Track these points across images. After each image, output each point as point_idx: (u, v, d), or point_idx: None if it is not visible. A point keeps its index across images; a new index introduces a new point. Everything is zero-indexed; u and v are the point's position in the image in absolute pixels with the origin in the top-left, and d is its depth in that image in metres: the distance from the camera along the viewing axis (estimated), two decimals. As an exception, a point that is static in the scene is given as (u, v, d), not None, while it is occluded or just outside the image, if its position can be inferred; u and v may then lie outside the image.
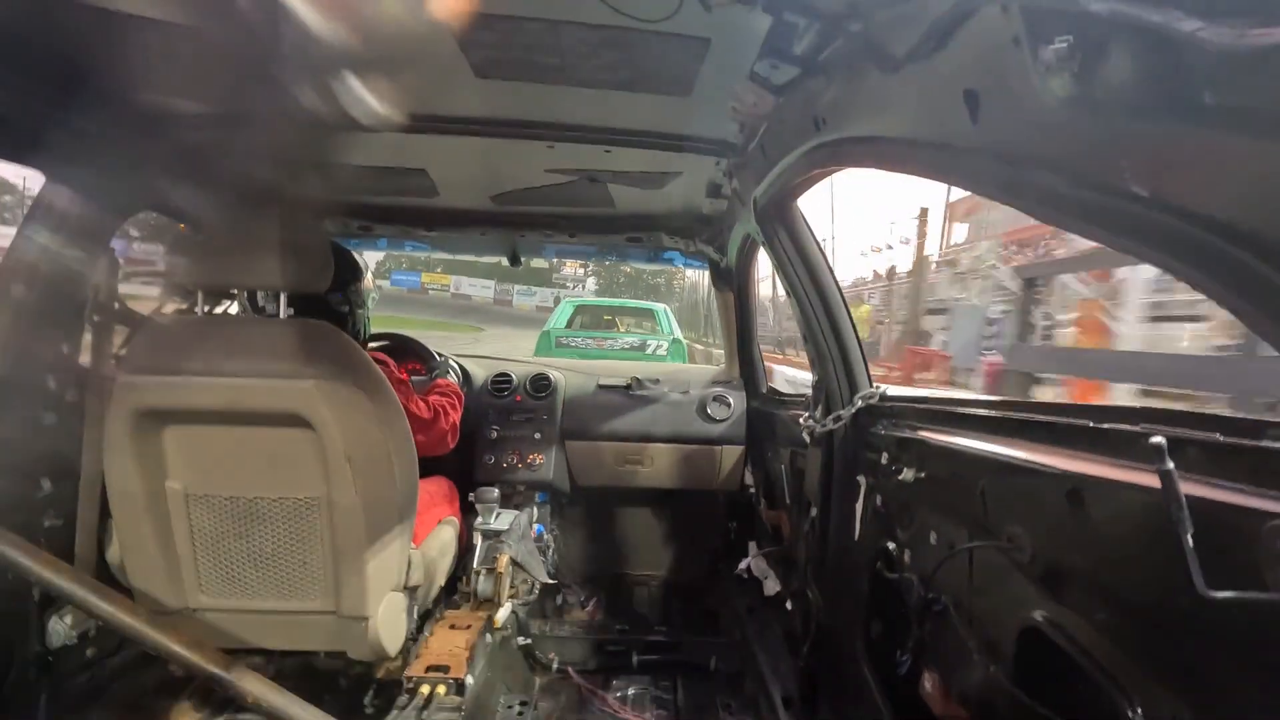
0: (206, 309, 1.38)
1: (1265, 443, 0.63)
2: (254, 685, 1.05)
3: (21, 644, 1.37)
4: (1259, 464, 0.62)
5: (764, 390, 2.57)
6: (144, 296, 1.46)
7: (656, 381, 2.66)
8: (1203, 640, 0.63)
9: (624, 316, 9.19)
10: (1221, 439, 0.67)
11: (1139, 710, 0.70)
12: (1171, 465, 0.59)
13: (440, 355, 2.43)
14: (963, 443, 1.09)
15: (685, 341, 8.30)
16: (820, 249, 1.70)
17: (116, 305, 1.44)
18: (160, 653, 1.06)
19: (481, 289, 31.23)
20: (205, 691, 1.59)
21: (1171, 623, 0.67)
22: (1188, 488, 0.60)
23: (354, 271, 1.67)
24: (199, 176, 1.16)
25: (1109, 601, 0.76)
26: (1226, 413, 0.70)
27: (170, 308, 1.43)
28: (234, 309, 1.48)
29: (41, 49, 1.14)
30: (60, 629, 1.42)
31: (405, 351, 2.40)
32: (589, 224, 2.47)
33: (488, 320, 23.79)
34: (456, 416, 1.87)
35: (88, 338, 1.43)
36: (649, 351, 7.80)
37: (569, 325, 8.08)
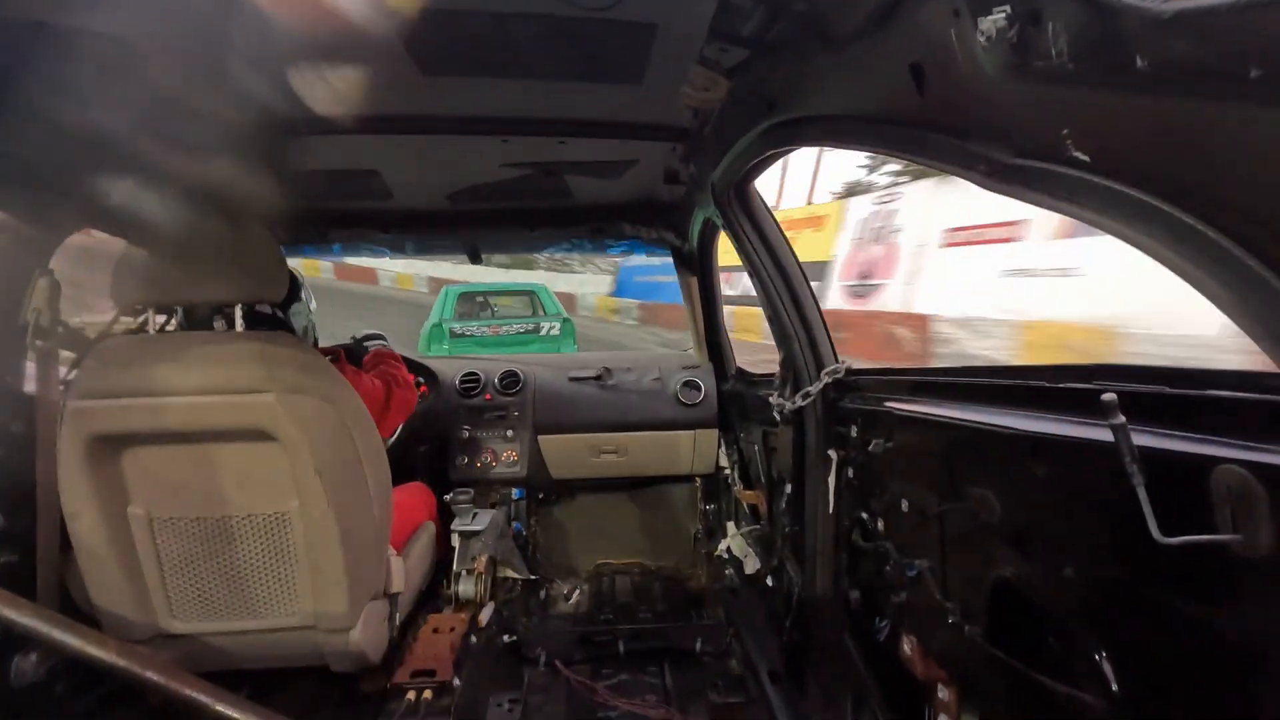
0: (158, 326, 1.34)
1: (1210, 391, 0.65)
2: (235, 708, 1.03)
3: None
4: (1206, 412, 0.65)
5: (733, 372, 2.60)
6: (89, 318, 1.41)
7: (627, 370, 2.66)
8: (1161, 584, 0.66)
9: (505, 298, 8.68)
10: (1170, 391, 0.69)
11: (1104, 654, 0.73)
12: (1123, 419, 0.62)
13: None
14: (928, 411, 1.11)
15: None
16: (779, 228, 1.72)
17: (60, 329, 1.38)
18: (134, 683, 1.03)
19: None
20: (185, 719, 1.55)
21: (1132, 570, 0.70)
22: (1140, 440, 0.63)
23: (296, 281, 1.64)
24: (141, 189, 1.11)
25: (1074, 554, 0.79)
26: (1176, 365, 0.73)
27: (119, 328, 1.37)
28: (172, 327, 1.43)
29: None
30: (26, 667, 1.36)
31: (356, 355, 2.36)
32: (548, 217, 2.45)
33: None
34: (403, 371, 1.89)
35: (31, 365, 1.37)
36: (543, 333, 7.81)
37: (455, 316, 7.81)
